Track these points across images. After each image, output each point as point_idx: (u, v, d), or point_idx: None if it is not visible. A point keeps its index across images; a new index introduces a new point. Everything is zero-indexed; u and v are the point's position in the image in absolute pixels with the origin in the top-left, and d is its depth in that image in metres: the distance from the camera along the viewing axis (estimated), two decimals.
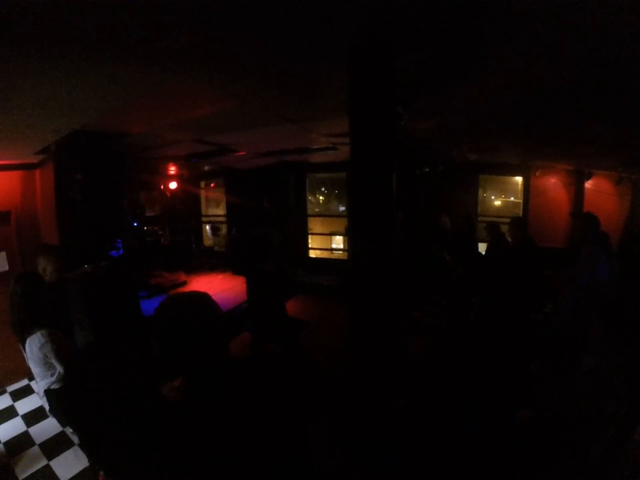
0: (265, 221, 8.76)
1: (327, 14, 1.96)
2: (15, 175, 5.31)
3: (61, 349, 3.11)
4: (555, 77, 2.69)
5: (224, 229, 10.42)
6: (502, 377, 2.15)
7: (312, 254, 10.00)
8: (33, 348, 3.06)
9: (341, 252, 10.02)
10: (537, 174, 7.52)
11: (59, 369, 3.10)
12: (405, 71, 2.60)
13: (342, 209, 10.68)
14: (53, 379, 3.15)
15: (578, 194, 7.32)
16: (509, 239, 4.97)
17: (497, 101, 3.43)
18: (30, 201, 5.47)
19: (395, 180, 2.47)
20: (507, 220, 6.44)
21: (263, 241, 4.65)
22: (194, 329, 1.30)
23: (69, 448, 3.71)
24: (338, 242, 10.47)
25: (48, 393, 3.19)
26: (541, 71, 2.63)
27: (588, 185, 7.16)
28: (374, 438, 2.03)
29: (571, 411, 2.09)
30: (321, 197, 11.51)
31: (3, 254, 5.06)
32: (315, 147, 6.84)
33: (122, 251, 6.09)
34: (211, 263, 9.38)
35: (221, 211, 10.83)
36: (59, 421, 3.40)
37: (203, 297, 1.38)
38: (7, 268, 5.04)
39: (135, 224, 7.85)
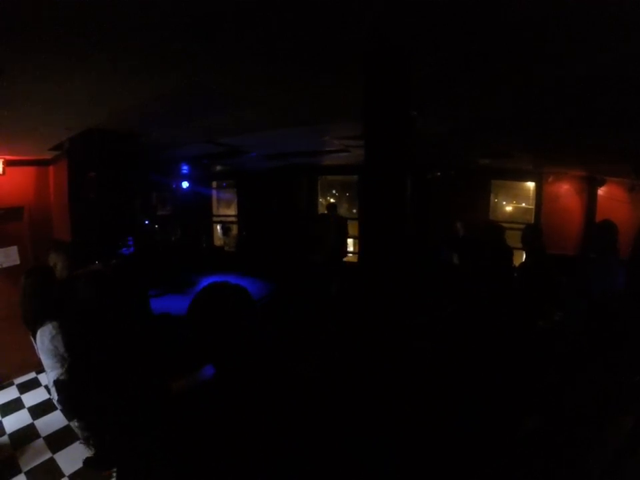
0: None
1: (341, 17, 1.96)
2: (29, 171, 5.41)
3: (71, 341, 3.15)
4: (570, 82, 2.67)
5: (234, 230, 10.45)
6: (503, 379, 2.12)
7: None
8: (44, 339, 3.11)
9: (350, 255, 9.96)
10: (550, 180, 7.42)
11: (69, 360, 3.14)
12: (419, 74, 2.59)
13: (353, 211, 10.66)
14: (63, 370, 3.19)
15: (590, 201, 7.20)
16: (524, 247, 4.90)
17: (510, 104, 3.41)
18: (43, 197, 5.56)
19: (407, 183, 2.45)
20: (516, 225, 6.37)
21: None
22: (228, 317, 1.33)
23: (73, 442, 3.74)
24: (348, 245, 10.42)
25: (57, 383, 3.22)
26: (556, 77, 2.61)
27: (601, 192, 7.04)
28: (374, 439, 2.02)
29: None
30: (331, 200, 11.52)
31: (15, 248, 5.15)
32: (328, 149, 6.85)
33: (133, 249, 6.14)
34: (221, 262, 9.40)
35: (231, 211, 10.88)
36: (66, 413, 3.43)
37: (241, 289, 1.42)
38: (18, 262, 5.14)
39: (146, 222, 7.92)
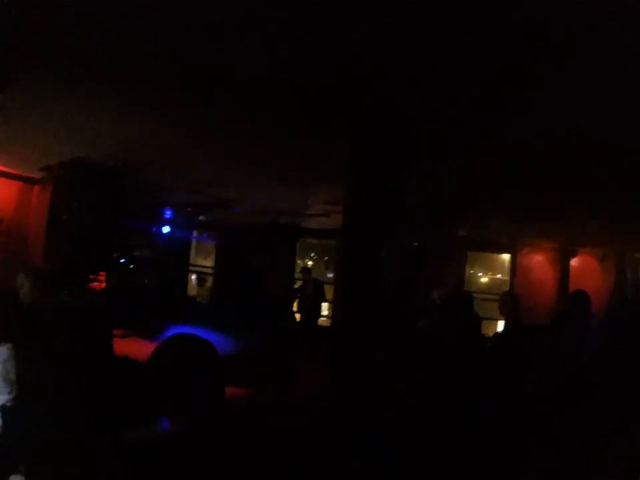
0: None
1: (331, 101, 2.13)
2: (13, 185, 5.43)
3: (24, 368, 2.97)
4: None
5: (210, 281, 10.31)
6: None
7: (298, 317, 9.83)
8: None
9: (325, 319, 9.87)
10: (524, 252, 7.71)
11: (19, 388, 2.95)
12: (406, 145, 2.73)
13: (330, 275, 10.70)
14: (10, 396, 2.97)
15: (563, 271, 7.49)
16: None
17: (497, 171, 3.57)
18: (23, 213, 5.51)
19: (384, 252, 2.52)
20: (491, 297, 6.46)
21: None
22: (191, 372, 1.23)
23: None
24: (323, 308, 10.34)
25: (1, 409, 2.99)
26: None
27: (573, 262, 7.35)
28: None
29: None
30: (309, 262, 11.60)
31: None
32: (309, 212, 7.08)
33: (104, 285, 5.96)
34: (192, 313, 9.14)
35: (209, 262, 10.85)
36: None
37: (206, 343, 1.33)
38: None
39: (122, 261, 7.76)
